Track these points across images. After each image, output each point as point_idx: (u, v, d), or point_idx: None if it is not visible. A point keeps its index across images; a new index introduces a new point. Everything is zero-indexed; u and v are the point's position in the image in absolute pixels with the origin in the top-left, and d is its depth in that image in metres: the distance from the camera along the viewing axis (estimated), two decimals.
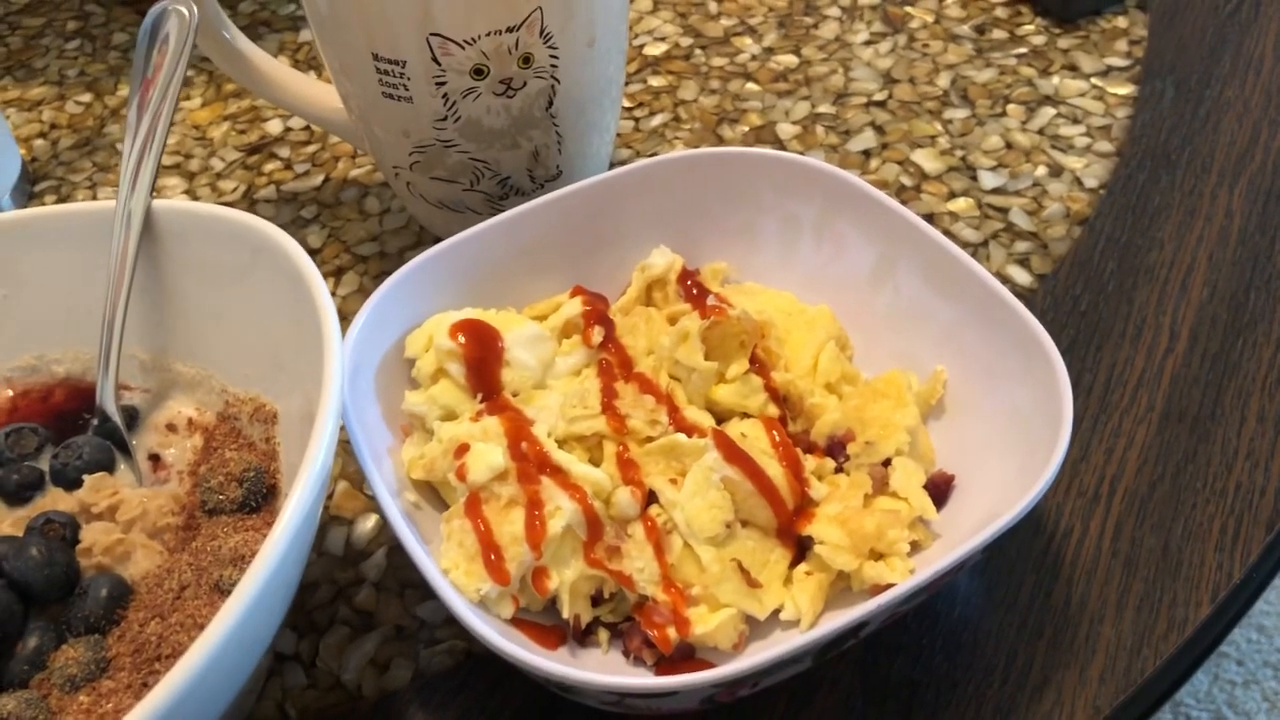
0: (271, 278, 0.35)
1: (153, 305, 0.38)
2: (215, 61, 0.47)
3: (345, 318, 0.46)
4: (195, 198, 0.52)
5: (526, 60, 0.41)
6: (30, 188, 0.53)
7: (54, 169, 0.55)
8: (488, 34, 0.40)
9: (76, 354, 0.39)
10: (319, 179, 0.53)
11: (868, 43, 0.58)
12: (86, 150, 0.55)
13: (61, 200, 0.53)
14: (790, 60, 0.57)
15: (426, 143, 0.43)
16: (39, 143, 0.56)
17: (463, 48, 0.40)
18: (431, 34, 0.40)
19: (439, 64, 0.40)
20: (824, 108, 0.54)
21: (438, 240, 0.48)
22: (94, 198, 0.53)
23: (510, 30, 0.40)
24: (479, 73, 0.41)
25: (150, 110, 0.38)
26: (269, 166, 0.54)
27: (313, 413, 0.32)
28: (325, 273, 0.48)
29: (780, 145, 0.52)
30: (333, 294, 0.47)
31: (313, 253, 0.49)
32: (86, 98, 0.59)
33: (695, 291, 0.41)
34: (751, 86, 0.56)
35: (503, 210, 0.45)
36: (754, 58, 0.57)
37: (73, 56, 0.61)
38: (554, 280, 0.42)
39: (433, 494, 0.36)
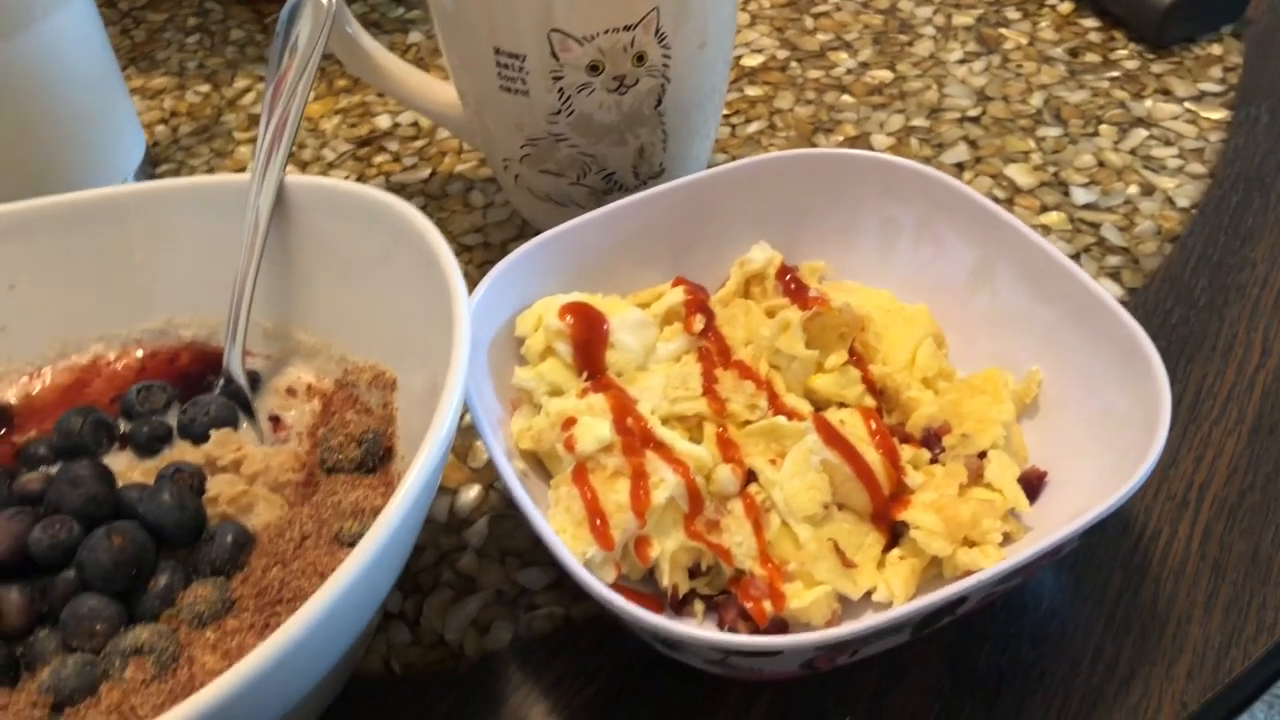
0: (404, 256, 0.37)
1: (279, 276, 0.40)
2: (338, 54, 0.49)
3: None
4: None
5: (640, 59, 0.43)
6: (152, 169, 0.56)
7: (174, 153, 0.57)
8: (605, 31, 0.42)
9: (203, 320, 0.41)
10: (426, 172, 0.55)
11: (962, 61, 0.59)
12: (205, 137, 0.58)
13: None
14: (885, 75, 0.58)
15: (538, 136, 0.45)
16: (160, 128, 0.59)
17: (581, 44, 0.42)
18: (552, 30, 0.41)
19: (557, 59, 0.42)
20: (918, 121, 0.55)
21: (537, 230, 0.50)
22: None
23: (627, 29, 0.42)
24: (594, 69, 0.42)
25: (288, 87, 0.40)
26: (378, 159, 0.56)
27: (434, 384, 0.34)
28: None
29: None
30: None
31: None
32: (205, 88, 0.61)
33: (794, 287, 0.42)
34: (846, 99, 0.57)
35: (602, 204, 0.47)
36: (849, 71, 0.59)
37: (192, 50, 0.64)
38: (655, 270, 0.43)
39: (537, 465, 0.38)
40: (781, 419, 0.36)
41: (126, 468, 0.37)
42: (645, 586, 0.35)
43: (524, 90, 0.43)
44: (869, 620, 0.29)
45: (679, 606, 0.35)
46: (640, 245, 0.43)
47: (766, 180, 0.43)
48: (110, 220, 0.40)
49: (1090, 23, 0.61)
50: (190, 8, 0.68)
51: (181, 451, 0.37)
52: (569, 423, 0.36)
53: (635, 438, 0.36)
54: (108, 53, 0.52)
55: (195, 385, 0.40)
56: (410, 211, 0.37)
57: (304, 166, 0.56)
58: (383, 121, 0.58)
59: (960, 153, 0.53)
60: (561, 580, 0.38)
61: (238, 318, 0.39)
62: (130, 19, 0.67)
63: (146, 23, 0.67)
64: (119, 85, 0.53)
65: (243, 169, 0.56)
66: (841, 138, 0.55)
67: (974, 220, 0.41)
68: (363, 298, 0.39)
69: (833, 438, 0.35)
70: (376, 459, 0.37)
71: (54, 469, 0.37)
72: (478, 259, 0.50)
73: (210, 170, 0.56)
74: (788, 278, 0.42)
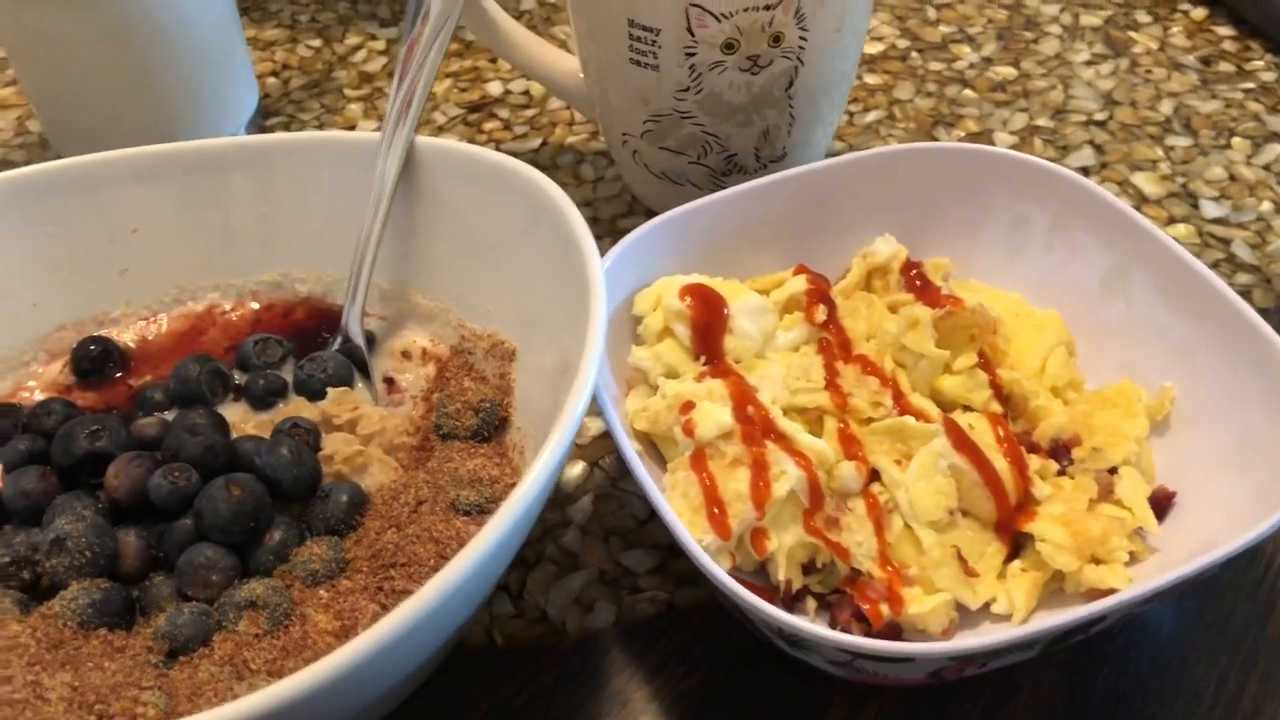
0: (537, 230, 0.36)
1: (400, 237, 0.40)
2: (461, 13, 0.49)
3: None
4: None
5: (776, 39, 0.42)
6: (263, 121, 0.56)
7: (285, 106, 0.57)
8: (745, 9, 0.41)
9: (320, 275, 0.41)
10: (536, 142, 0.54)
11: (1089, 63, 0.57)
12: (315, 92, 0.58)
13: None
14: (1009, 72, 0.57)
15: (664, 112, 0.44)
16: (271, 80, 0.59)
17: (719, 20, 0.41)
18: (691, 4, 0.40)
19: (693, 35, 0.41)
20: (1042, 121, 0.54)
21: (650, 211, 0.49)
22: None
23: (767, 8, 0.41)
24: (729, 47, 0.42)
25: (419, 55, 0.40)
26: (489, 125, 0.55)
27: (560, 360, 0.33)
28: None
29: None
30: None
31: None
32: (316, 43, 0.61)
33: (920, 283, 0.41)
34: (968, 93, 0.56)
35: (723, 187, 0.46)
36: (972, 66, 0.57)
37: (304, 4, 0.64)
38: (775, 257, 0.42)
39: (649, 446, 0.37)
40: (909, 419, 0.35)
41: (241, 419, 0.37)
42: (757, 579, 0.35)
43: (654, 65, 0.43)
44: (1004, 634, 0.28)
45: (791, 602, 0.34)
46: (762, 231, 0.42)
47: (894, 172, 0.42)
48: (235, 170, 0.40)
49: (1225, 31, 0.59)
50: None
51: (297, 407, 0.37)
52: (687, 406, 0.35)
53: (755, 427, 0.35)
54: (231, 9, 0.52)
55: (309, 341, 0.40)
56: (548, 185, 0.36)
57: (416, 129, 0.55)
58: (494, 88, 0.58)
59: (1085, 157, 0.52)
60: (665, 564, 0.38)
61: (359, 277, 0.39)
62: None
63: None
64: (237, 35, 0.53)
65: (353, 126, 0.56)
66: (963, 133, 0.53)
67: (1112, 226, 0.40)
68: (487, 265, 0.38)
69: (962, 442, 0.34)
70: (492, 428, 0.36)
71: (169, 414, 0.37)
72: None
73: (320, 125, 0.56)
74: (913, 273, 0.41)
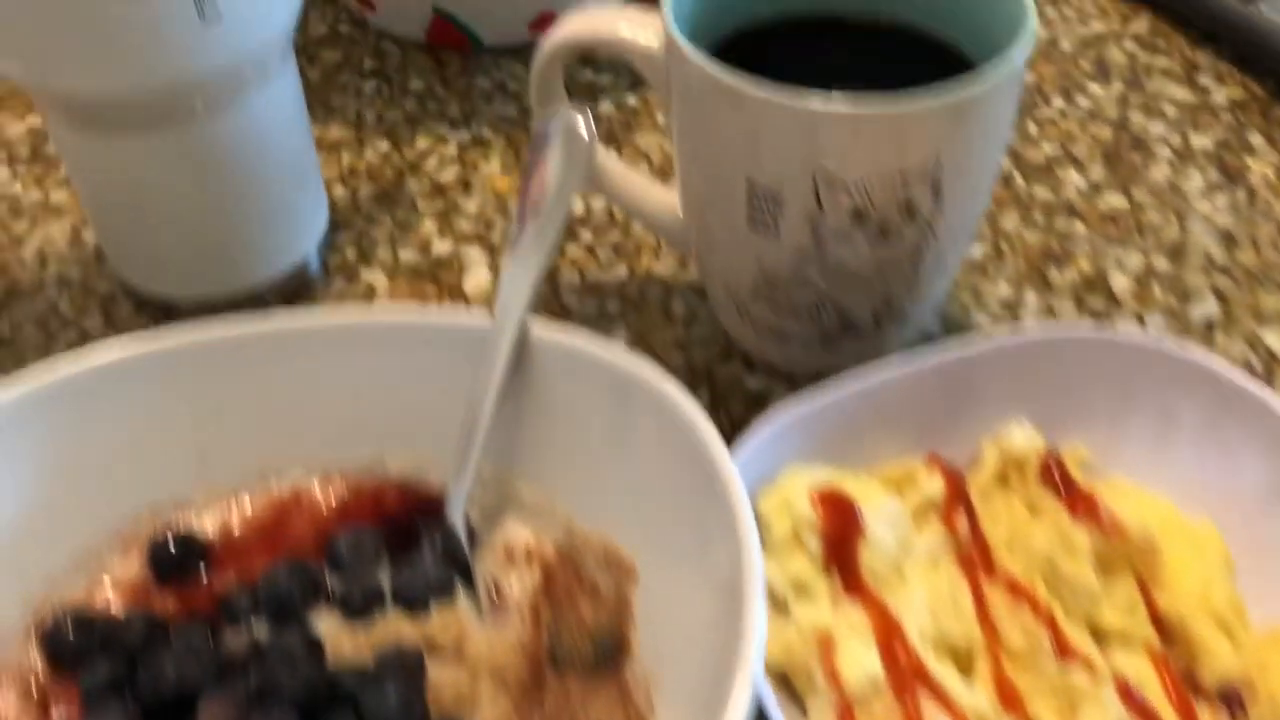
0: (660, 438, 0.34)
1: (506, 420, 0.37)
2: (536, 111, 0.46)
3: None
4: (498, 273, 0.51)
5: (910, 210, 0.39)
6: (333, 237, 0.53)
7: (354, 219, 0.54)
8: (878, 179, 0.38)
9: (415, 454, 0.38)
10: (623, 271, 0.51)
11: (1204, 193, 0.54)
12: (386, 203, 0.55)
13: (362, 254, 0.52)
14: (1119, 202, 0.54)
15: (778, 275, 0.41)
16: (339, 189, 0.56)
17: (849, 190, 0.38)
18: (819, 173, 0.38)
19: (820, 203, 0.38)
20: (1159, 262, 0.51)
21: (745, 355, 0.46)
22: (394, 256, 0.52)
23: (903, 177, 0.38)
24: (859, 217, 0.39)
25: (534, 223, 0.37)
26: (571, 250, 0.53)
27: (692, 583, 0.30)
28: None
29: (1113, 300, 0.49)
30: None
31: None
32: (384, 146, 0.58)
33: (1060, 479, 0.38)
34: (1079, 226, 0.53)
35: (833, 346, 0.44)
36: (1079, 192, 0.54)
37: (370, 99, 0.61)
38: (902, 442, 0.39)
39: (777, 675, 0.34)
40: (1076, 676, 0.32)
41: (336, 633, 0.34)
42: None
43: (774, 229, 0.40)
44: None
45: None
46: (890, 417, 0.39)
47: (1031, 360, 0.40)
48: (328, 348, 0.38)
49: None
50: (367, 48, 0.64)
51: (396, 624, 0.34)
52: (827, 642, 0.32)
53: (905, 673, 0.32)
54: (305, 126, 0.49)
55: (403, 531, 0.37)
56: (675, 394, 0.33)
57: (492, 251, 0.52)
58: (576, 205, 0.55)
59: (1209, 307, 0.49)
60: None
61: (463, 471, 0.36)
62: (305, 56, 0.64)
63: (322, 61, 0.64)
64: (312, 158, 0.50)
65: (427, 245, 0.53)
66: (1076, 274, 0.50)
67: (1272, 431, 0.37)
68: (603, 464, 0.36)
69: (1135, 703, 0.31)
70: (611, 658, 0.33)
71: (257, 623, 0.34)
72: (681, 382, 0.47)
73: (393, 243, 0.53)
74: (1053, 469, 0.38)
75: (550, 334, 0.36)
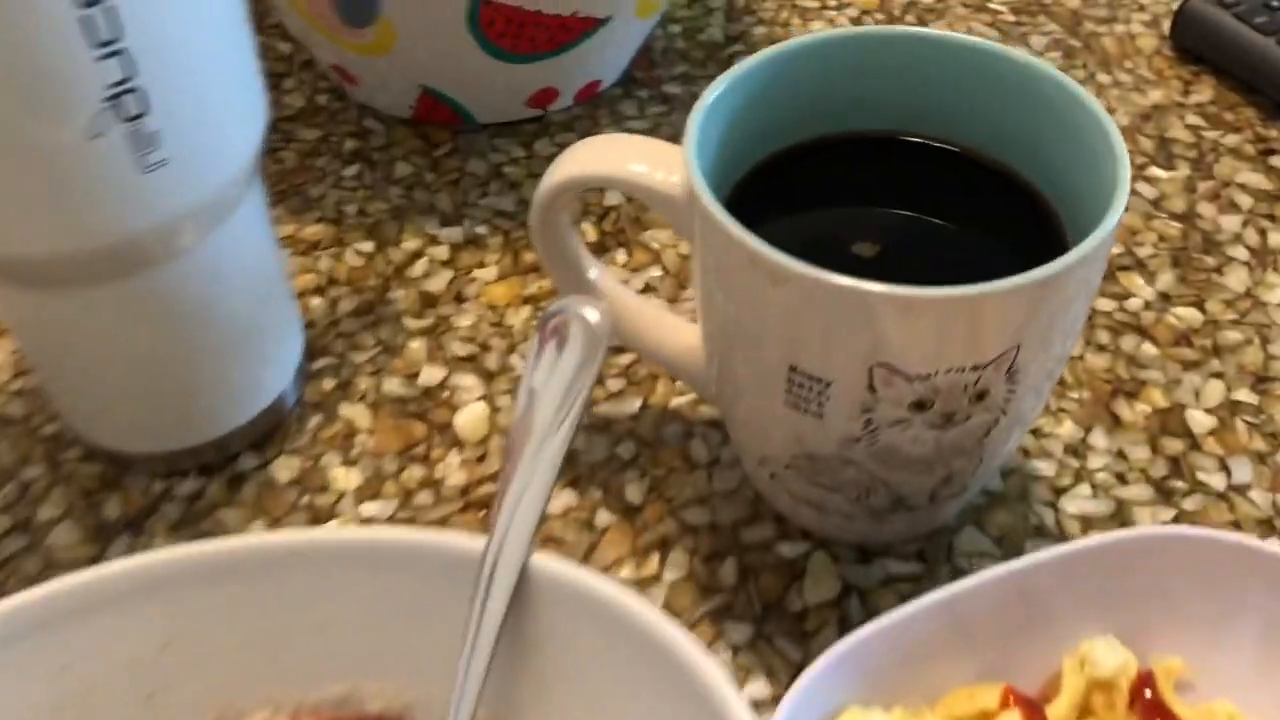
0: (667, 688, 0.28)
1: (502, 659, 0.31)
2: (540, 252, 0.40)
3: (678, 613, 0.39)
4: (495, 407, 0.45)
5: (981, 396, 0.33)
6: (308, 365, 0.47)
7: (333, 342, 0.48)
8: (949, 370, 0.32)
9: (396, 690, 0.33)
10: (635, 403, 0.46)
11: None
12: (369, 321, 0.49)
13: (341, 385, 0.46)
14: (1192, 316, 0.48)
15: (821, 455, 0.36)
16: (316, 302, 0.50)
17: (911, 381, 0.32)
18: (879, 364, 0.32)
19: (874, 392, 0.33)
20: (1242, 393, 0.45)
21: (778, 515, 0.41)
22: (378, 389, 0.46)
23: (976, 368, 0.32)
24: (920, 406, 0.33)
25: (539, 428, 0.31)
26: None
27: None
28: (648, 545, 0.41)
29: (1191, 440, 0.43)
30: (656, 577, 0.40)
31: (632, 510, 0.42)
32: (368, 246, 0.52)
33: (1153, 704, 0.32)
34: (1148, 348, 0.47)
35: (882, 521, 0.38)
36: (1148, 305, 0.48)
37: (351, 188, 0.55)
38: (967, 665, 0.34)
39: None
40: None
41: None
42: None
43: (817, 413, 0.34)
44: None
45: None
46: (956, 637, 0.33)
47: (1120, 562, 0.34)
48: (294, 571, 0.32)
49: None
50: (348, 124, 0.58)
51: None
52: None
53: None
54: (273, 254, 0.43)
55: None
56: (679, 641, 0.28)
57: (490, 379, 0.47)
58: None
59: None
60: None
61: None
62: (279, 134, 0.58)
63: (297, 141, 0.57)
64: (283, 288, 0.44)
65: (414, 374, 0.47)
66: (1148, 408, 0.44)
67: None
68: (603, 708, 0.30)
69: None
70: None
71: None
72: (705, 547, 0.41)
73: (377, 372, 0.47)
74: (1146, 696, 0.33)
75: (558, 569, 0.30)
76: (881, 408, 0.33)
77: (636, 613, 0.29)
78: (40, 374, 0.43)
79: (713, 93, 0.36)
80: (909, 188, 0.38)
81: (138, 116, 0.33)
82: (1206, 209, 0.52)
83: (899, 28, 0.37)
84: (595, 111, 0.58)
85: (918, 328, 0.31)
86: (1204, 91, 0.58)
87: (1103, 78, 0.58)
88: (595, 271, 0.41)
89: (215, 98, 0.36)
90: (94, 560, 0.41)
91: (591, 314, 0.31)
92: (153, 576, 0.31)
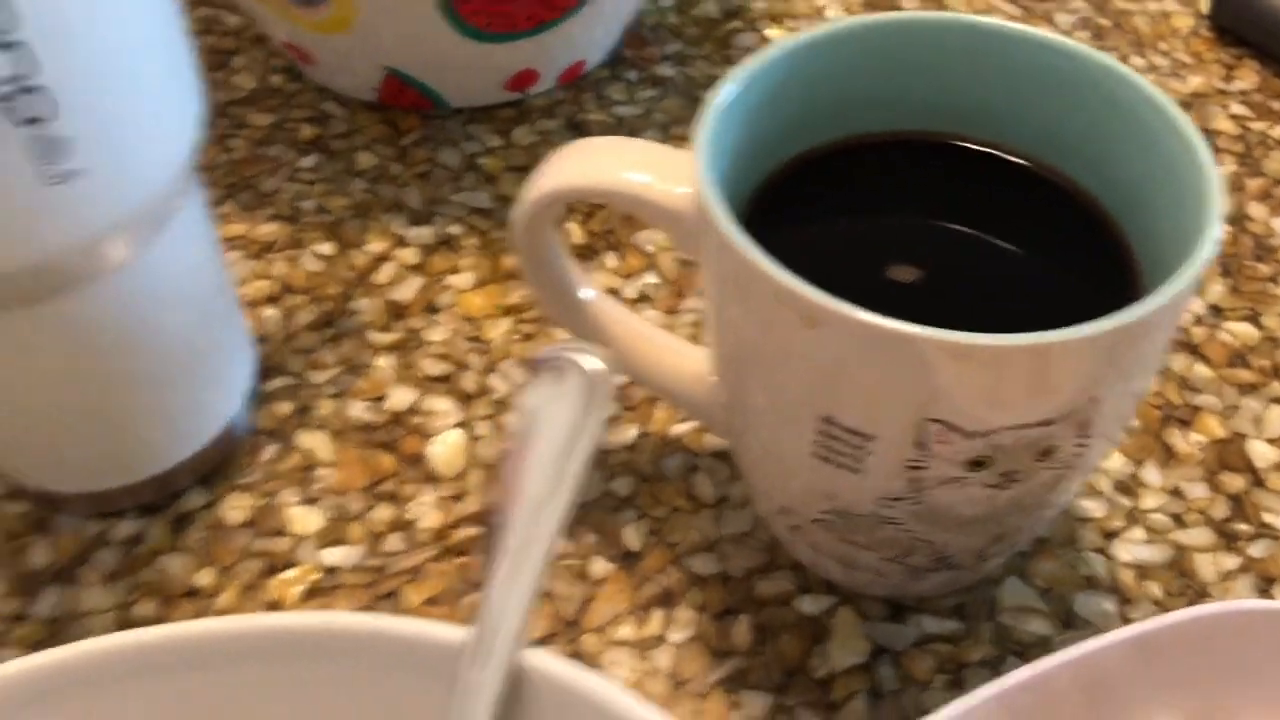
0: None
1: None
2: (523, 267, 0.35)
3: (687, 680, 0.34)
4: (473, 435, 0.40)
5: (1046, 453, 0.28)
6: (261, 386, 0.42)
7: (290, 359, 0.43)
8: (1012, 427, 0.27)
9: None
10: (632, 433, 0.41)
11: None
12: (329, 335, 0.44)
13: (299, 410, 0.41)
14: (1247, 332, 0.43)
15: (855, 511, 0.31)
16: (269, 313, 0.44)
17: (969, 438, 0.27)
18: (931, 419, 0.27)
19: (924, 449, 0.28)
20: None
21: (796, 563, 0.36)
22: (340, 414, 0.41)
23: (1044, 424, 0.27)
24: (977, 464, 0.28)
25: (532, 496, 0.26)
26: None
27: None
28: (650, 599, 0.36)
29: (1253, 475, 0.39)
30: (661, 638, 0.35)
31: (631, 557, 0.37)
32: (326, 248, 0.47)
33: None
34: (1201, 369, 0.42)
35: (920, 579, 0.33)
36: (1198, 320, 0.44)
37: (308, 181, 0.49)
38: None
39: None
40: None
41: None
42: None
43: (854, 468, 0.29)
44: None
45: None
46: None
47: (1190, 643, 0.29)
48: (252, 660, 0.27)
49: None
50: (305, 108, 0.52)
51: None
52: None
53: None
54: (218, 265, 0.37)
55: None
56: None
57: (467, 402, 0.41)
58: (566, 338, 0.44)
59: None
60: None
61: None
62: (228, 119, 0.52)
63: (249, 128, 0.51)
64: (230, 302, 0.39)
65: (380, 397, 0.42)
66: (1204, 439, 0.40)
67: None
68: None
69: None
70: None
71: None
72: (715, 603, 0.36)
73: (339, 394, 0.42)
74: None
75: (557, 670, 0.25)
76: (932, 465, 0.28)
77: None
78: None
79: (727, 92, 0.30)
80: (952, 199, 0.33)
81: (36, 120, 0.27)
82: (1257, 210, 0.47)
83: (942, 14, 0.32)
84: (580, 95, 0.53)
85: (980, 380, 0.26)
86: (1247, 77, 0.53)
87: (1136, 61, 0.54)
88: (586, 292, 0.36)
89: (140, 94, 0.30)
90: (19, 615, 0.36)
91: (592, 363, 0.25)
92: (104, 663, 0.26)
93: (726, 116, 0.30)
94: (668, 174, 0.31)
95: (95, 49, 0.28)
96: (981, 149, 0.33)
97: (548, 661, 0.25)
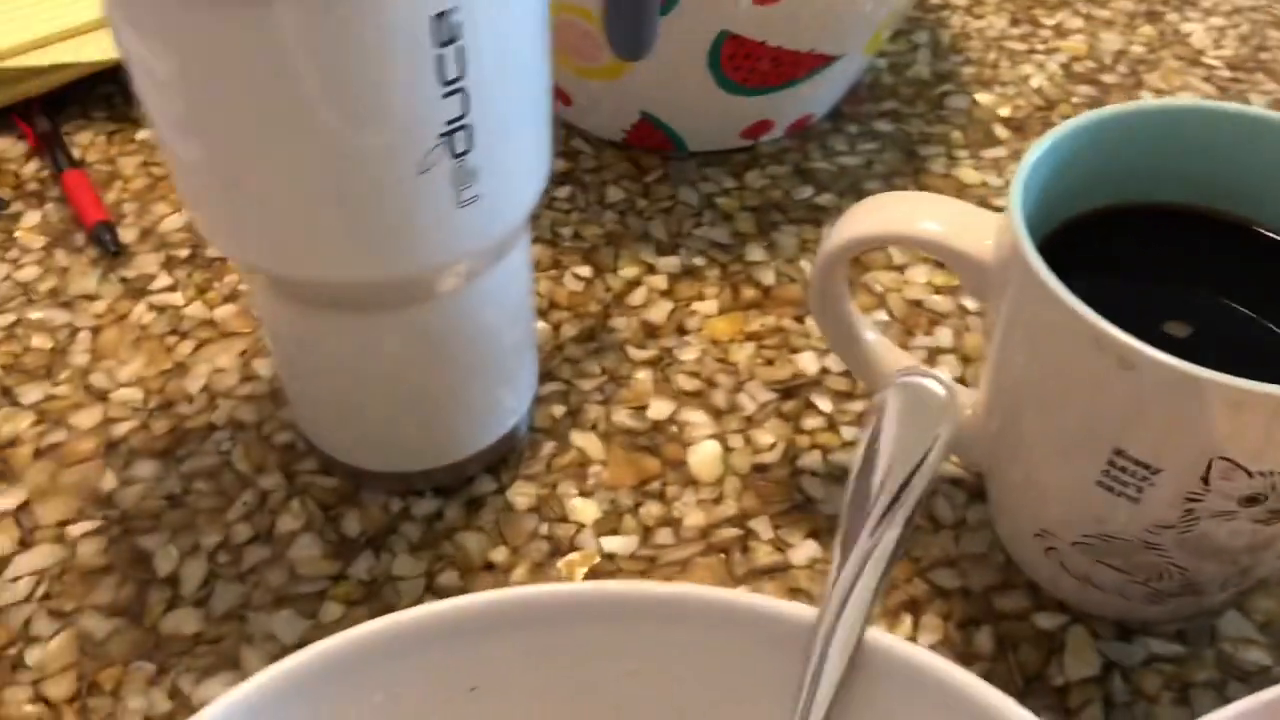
0: None
1: None
2: (814, 309, 0.40)
3: None
4: (727, 447, 0.45)
5: None
6: (539, 388, 0.47)
7: (560, 367, 0.48)
8: None
9: None
10: None
11: None
12: (593, 349, 0.49)
13: (571, 413, 0.46)
14: None
15: (1121, 536, 0.35)
16: (540, 325, 0.49)
17: (1252, 476, 0.31)
18: (1221, 458, 0.31)
19: (1206, 483, 0.32)
20: None
21: (1030, 582, 0.40)
22: (608, 418, 0.46)
23: None
24: (1252, 500, 0.32)
25: (875, 514, 0.30)
26: (809, 422, 0.46)
27: None
28: (898, 605, 0.41)
29: None
30: (912, 639, 0.39)
31: None
32: (585, 270, 0.52)
33: None
34: None
35: (1158, 601, 0.37)
36: None
37: (564, 210, 0.55)
38: None
39: None
40: None
41: None
42: None
43: (1134, 497, 0.33)
44: None
45: None
46: None
47: None
48: (596, 623, 0.31)
49: None
50: (557, 143, 0.58)
51: None
52: None
53: None
54: (530, 289, 0.42)
55: None
56: None
57: (718, 417, 0.46)
58: (807, 362, 0.48)
59: None
60: None
61: None
62: None
63: None
64: (532, 322, 0.44)
65: (643, 406, 0.46)
66: None
67: None
68: None
69: None
70: None
71: None
72: (958, 613, 0.40)
73: (605, 401, 0.47)
74: None
75: (905, 652, 0.30)
76: (1210, 499, 0.32)
77: (990, 702, 0.28)
78: (290, 385, 0.43)
79: (1035, 153, 0.35)
80: (1212, 266, 0.37)
81: (464, 153, 0.33)
82: None
83: (1221, 104, 0.37)
84: (805, 145, 0.58)
85: (1272, 425, 0.30)
86: None
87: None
88: (869, 334, 0.40)
89: (524, 137, 0.35)
90: (338, 575, 0.41)
91: (938, 386, 0.30)
92: (464, 618, 0.31)
93: (1033, 174, 0.34)
94: (965, 224, 0.35)
95: (506, 95, 0.33)
96: (1237, 222, 0.37)
97: (891, 641, 0.30)
